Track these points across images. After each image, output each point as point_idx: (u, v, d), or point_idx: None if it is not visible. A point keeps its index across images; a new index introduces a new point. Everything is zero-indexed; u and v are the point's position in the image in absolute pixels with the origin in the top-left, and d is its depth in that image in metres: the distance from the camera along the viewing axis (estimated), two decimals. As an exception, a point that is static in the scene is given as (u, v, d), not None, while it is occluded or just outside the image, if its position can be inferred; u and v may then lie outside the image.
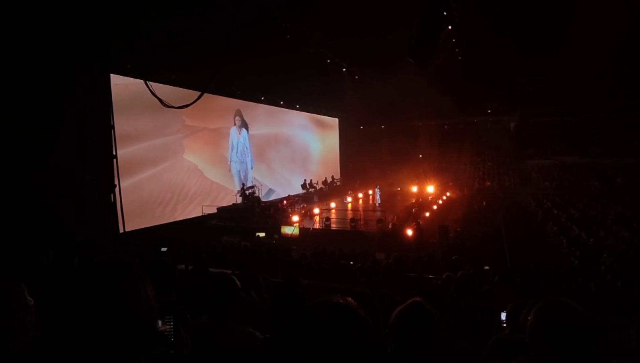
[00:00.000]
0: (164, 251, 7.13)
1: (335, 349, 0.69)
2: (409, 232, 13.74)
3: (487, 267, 7.18)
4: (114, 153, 12.34)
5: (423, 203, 19.85)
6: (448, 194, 23.79)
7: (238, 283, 1.88)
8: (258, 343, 1.68)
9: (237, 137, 19.59)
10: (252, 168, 20.42)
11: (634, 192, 20.16)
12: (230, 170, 19.06)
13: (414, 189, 23.94)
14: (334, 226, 15.64)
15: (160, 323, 1.49)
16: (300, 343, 0.71)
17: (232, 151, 19.23)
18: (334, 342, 0.70)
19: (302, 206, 18.83)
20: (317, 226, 15.60)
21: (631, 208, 17.05)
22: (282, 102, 22.58)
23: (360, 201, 22.66)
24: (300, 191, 22.68)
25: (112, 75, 12.76)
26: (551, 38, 19.51)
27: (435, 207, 19.61)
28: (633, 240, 11.44)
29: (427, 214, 17.87)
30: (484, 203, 21.24)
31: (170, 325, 1.46)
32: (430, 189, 23.05)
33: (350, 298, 0.79)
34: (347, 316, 0.73)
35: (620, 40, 17.66)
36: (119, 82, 12.97)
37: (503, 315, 3.21)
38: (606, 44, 18.02)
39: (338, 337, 0.70)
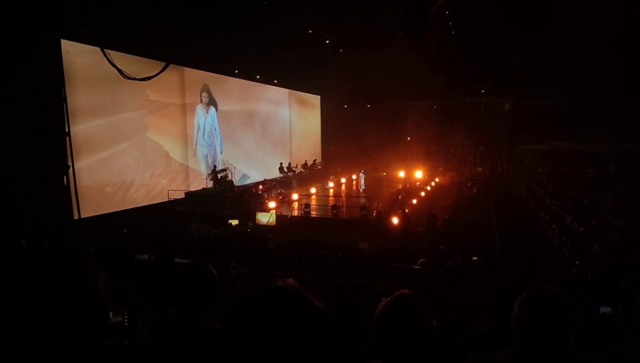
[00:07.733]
0: (124, 232, 7.02)
1: (280, 330, 0.76)
2: (395, 220, 13.94)
3: (475, 258, 7.38)
4: (67, 130, 11.92)
5: (410, 189, 20.13)
6: (437, 180, 24.20)
7: (215, 273, 1.87)
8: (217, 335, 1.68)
9: (203, 116, 18.87)
10: (221, 152, 19.95)
11: (628, 180, 21.00)
12: (195, 154, 18.47)
13: (401, 174, 24.24)
14: (314, 213, 15.70)
15: (111, 314, 1.48)
16: (247, 326, 0.77)
17: (198, 132, 18.52)
18: (278, 324, 0.76)
19: (279, 191, 18.78)
20: (295, 213, 15.63)
21: (625, 196, 17.79)
22: (258, 77, 22.21)
23: (343, 186, 22.80)
24: (277, 175, 22.61)
25: (63, 40, 12.21)
26: (548, 17, 19.87)
27: (423, 194, 19.94)
28: (625, 229, 11.98)
29: (415, 201, 18.15)
30: (475, 190, 21.72)
31: (125, 315, 1.46)
32: (419, 174, 23.38)
33: (291, 280, 0.86)
34: (289, 299, 0.80)
35: (617, 24, 18.13)
36: (71, 50, 12.44)
37: (490, 306, 3.32)
38: (604, 27, 18.51)
39: (281, 318, 0.77)
